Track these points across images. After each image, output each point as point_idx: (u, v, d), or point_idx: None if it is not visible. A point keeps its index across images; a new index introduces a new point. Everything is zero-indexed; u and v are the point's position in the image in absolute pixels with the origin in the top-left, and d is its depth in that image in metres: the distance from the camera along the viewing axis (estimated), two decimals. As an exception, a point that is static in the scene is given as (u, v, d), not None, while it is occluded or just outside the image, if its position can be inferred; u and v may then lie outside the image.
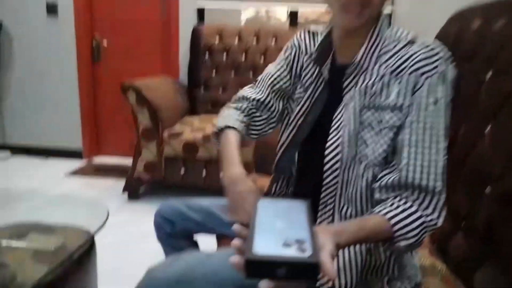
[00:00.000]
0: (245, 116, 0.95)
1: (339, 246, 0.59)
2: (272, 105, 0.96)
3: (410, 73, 0.74)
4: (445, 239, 1.07)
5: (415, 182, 0.71)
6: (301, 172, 0.92)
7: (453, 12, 1.49)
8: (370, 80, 0.78)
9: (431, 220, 0.71)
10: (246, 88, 1.01)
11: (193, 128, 2.46)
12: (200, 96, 2.89)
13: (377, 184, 0.76)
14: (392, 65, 0.76)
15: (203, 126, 2.50)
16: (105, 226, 1.19)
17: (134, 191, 2.55)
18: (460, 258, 0.98)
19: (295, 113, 0.92)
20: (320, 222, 0.83)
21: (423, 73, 0.73)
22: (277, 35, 2.84)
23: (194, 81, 2.89)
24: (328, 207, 0.82)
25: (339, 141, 0.79)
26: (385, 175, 0.75)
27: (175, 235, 1.13)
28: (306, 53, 0.93)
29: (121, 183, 2.62)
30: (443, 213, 0.72)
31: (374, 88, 0.77)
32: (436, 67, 0.72)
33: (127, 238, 2.09)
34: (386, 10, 2.78)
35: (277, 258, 0.46)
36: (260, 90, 0.97)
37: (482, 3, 1.23)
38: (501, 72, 0.94)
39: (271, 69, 0.98)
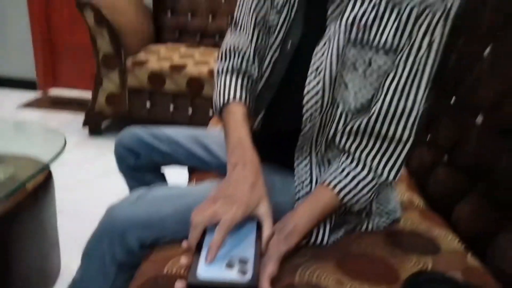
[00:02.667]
0: (244, 77, 0.78)
1: (289, 251, 0.63)
2: (265, 47, 0.80)
3: (412, 7, 0.62)
4: (425, 173, 1.03)
5: (381, 130, 0.67)
6: (275, 115, 0.81)
7: None
8: (361, 8, 0.65)
9: (385, 180, 0.69)
10: (228, 36, 0.83)
11: (159, 57, 2.27)
12: (167, 21, 2.65)
13: (343, 128, 0.70)
14: None
15: (170, 55, 2.31)
16: (65, 163, 1.06)
17: (95, 126, 2.39)
18: (440, 192, 0.95)
19: (270, 46, 0.78)
20: (298, 165, 0.76)
21: (426, 7, 0.62)
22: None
23: (160, 4, 2.63)
24: (304, 149, 0.75)
25: (320, 85, 0.68)
26: (353, 119, 0.69)
27: (139, 167, 1.03)
28: None
29: (80, 117, 2.44)
30: (401, 168, 0.69)
31: (364, 19, 0.64)
32: (443, 0, 0.61)
33: (88, 175, 1.97)
34: None
35: (217, 283, 0.50)
36: (246, 35, 0.79)
37: None
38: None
39: (246, 1, 0.80)
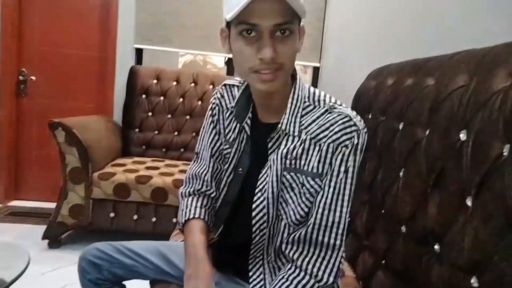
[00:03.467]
0: (204, 198, 0.95)
1: None
2: (221, 171, 0.98)
3: (329, 143, 0.81)
4: (369, 277, 1.14)
5: (318, 239, 0.80)
6: (231, 228, 0.95)
7: (371, 67, 1.68)
8: (292, 144, 0.83)
9: (325, 284, 0.80)
10: (191, 166, 1.01)
11: (125, 170, 2.39)
12: (134, 137, 2.83)
13: (286, 238, 0.84)
14: (313, 132, 0.82)
15: (136, 168, 2.44)
16: (23, 276, 1.08)
17: (55, 238, 2.36)
18: (382, 294, 1.05)
19: (224, 171, 0.95)
20: (252, 275, 0.87)
21: (339, 144, 0.80)
22: (214, 80, 2.93)
23: (128, 122, 2.84)
24: (257, 260, 0.88)
25: (264, 202, 0.84)
26: (294, 230, 0.83)
27: (102, 281, 1.05)
28: (227, 109, 0.96)
29: (39, 229, 2.41)
30: (338, 270, 0.81)
31: (295, 152, 0.83)
32: (351, 138, 0.79)
33: (46, 289, 1.90)
34: (315, 63, 3.04)
35: None
36: (204, 164, 0.98)
37: (397, 63, 1.41)
38: (410, 123, 1.08)
39: (205, 138, 1.00)
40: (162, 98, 2.87)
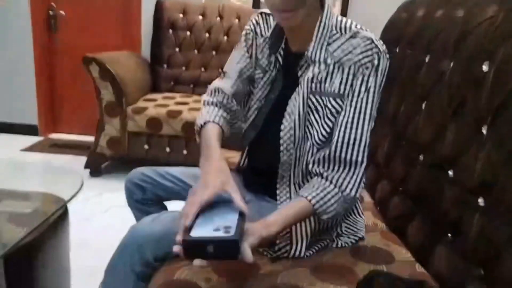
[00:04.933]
0: (224, 110, 1.01)
1: (264, 239, 0.75)
2: (244, 93, 1.04)
3: (351, 65, 0.85)
4: (385, 202, 1.24)
5: (341, 156, 0.87)
6: (258, 151, 1.03)
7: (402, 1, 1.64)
8: (318, 69, 0.89)
9: (348, 195, 0.86)
10: (216, 81, 1.06)
11: (156, 104, 2.50)
12: (163, 73, 2.90)
13: (312, 158, 0.91)
14: (337, 57, 0.87)
15: (167, 103, 2.54)
16: (71, 201, 1.23)
17: (96, 168, 2.56)
18: (396, 216, 1.15)
19: (256, 96, 1.02)
20: (279, 194, 0.96)
21: (360, 66, 0.84)
22: (240, 14, 2.89)
23: (157, 58, 2.89)
24: (284, 180, 0.96)
25: (292, 124, 0.91)
26: (319, 149, 0.90)
27: (145, 201, 1.19)
28: (262, 35, 1.00)
29: (80, 160, 2.62)
30: (361, 185, 0.88)
31: (320, 76, 0.88)
32: (372, 60, 0.84)
33: (92, 212, 2.13)
34: (344, -5, 2.92)
35: (206, 238, 0.64)
36: (230, 81, 1.03)
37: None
38: (436, 55, 1.09)
39: (235, 57, 1.04)
40: (188, 33, 2.88)
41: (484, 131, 0.81)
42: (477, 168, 0.80)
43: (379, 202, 1.29)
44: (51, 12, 3.11)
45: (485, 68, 0.84)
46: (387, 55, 0.86)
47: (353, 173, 0.87)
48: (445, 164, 0.93)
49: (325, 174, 0.87)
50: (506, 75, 0.76)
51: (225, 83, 1.03)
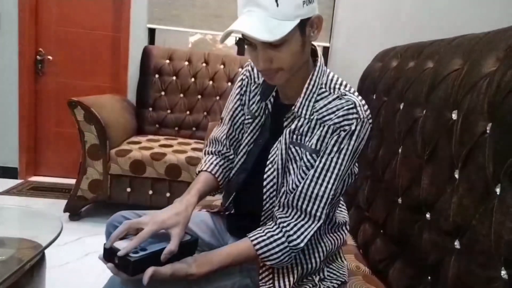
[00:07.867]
0: (222, 159, 1.07)
1: (189, 274, 0.80)
2: (237, 138, 1.09)
3: (330, 125, 0.88)
4: (368, 244, 1.25)
5: (298, 205, 0.89)
6: (244, 196, 1.05)
7: (378, 49, 1.75)
8: (301, 122, 0.92)
9: (296, 244, 0.88)
10: (215, 130, 1.13)
11: (140, 147, 2.50)
12: (148, 116, 2.94)
13: (277, 200, 0.94)
14: (320, 114, 0.90)
15: (151, 145, 2.55)
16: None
17: (75, 211, 2.51)
18: (379, 259, 1.16)
19: (245, 140, 1.05)
20: None
21: (338, 127, 0.87)
22: (225, 60, 3.00)
23: (142, 101, 2.94)
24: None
25: (274, 172, 0.94)
26: (285, 194, 0.93)
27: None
28: (254, 82, 1.06)
29: (59, 203, 2.56)
30: (310, 239, 0.90)
31: (301, 129, 0.92)
32: (350, 124, 0.86)
33: (69, 257, 2.06)
34: (325, 43, 3.08)
35: (115, 249, 0.75)
36: (226, 128, 1.09)
37: (402, 45, 1.48)
38: (409, 104, 1.16)
39: (230, 104, 1.10)
40: (174, 78, 2.96)
41: (456, 175, 0.85)
42: (452, 212, 0.83)
43: (362, 245, 1.30)
44: (39, 57, 3.16)
45: (454, 116, 0.89)
46: (370, 121, 0.88)
47: (307, 224, 0.89)
48: (423, 207, 0.96)
49: (278, 221, 0.90)
50: (472, 123, 0.81)
51: (221, 132, 1.10)
